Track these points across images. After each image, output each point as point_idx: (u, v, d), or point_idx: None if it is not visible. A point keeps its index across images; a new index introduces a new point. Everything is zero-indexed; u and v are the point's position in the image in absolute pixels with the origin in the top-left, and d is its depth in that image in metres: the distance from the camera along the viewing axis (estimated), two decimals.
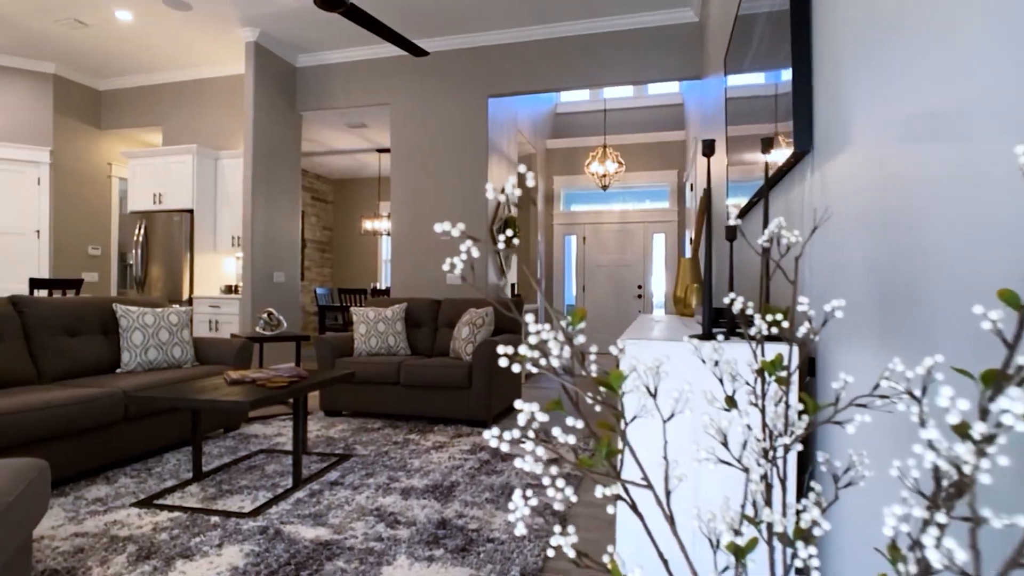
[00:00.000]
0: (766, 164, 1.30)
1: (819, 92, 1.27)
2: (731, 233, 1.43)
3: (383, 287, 9.59)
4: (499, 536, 2.10)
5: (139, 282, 5.94)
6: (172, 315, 3.49)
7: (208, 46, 5.72)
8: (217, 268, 6.17)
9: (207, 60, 6.10)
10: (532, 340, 0.55)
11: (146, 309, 3.43)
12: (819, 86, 1.27)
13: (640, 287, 8.12)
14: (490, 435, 0.57)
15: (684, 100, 7.92)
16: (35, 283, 4.36)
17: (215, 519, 2.23)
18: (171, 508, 2.33)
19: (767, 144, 1.28)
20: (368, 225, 8.68)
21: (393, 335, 4.31)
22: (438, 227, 0.56)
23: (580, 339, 0.56)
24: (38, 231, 6.25)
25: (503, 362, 0.56)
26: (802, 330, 0.72)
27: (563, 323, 0.56)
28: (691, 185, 6.39)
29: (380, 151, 8.04)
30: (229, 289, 6.03)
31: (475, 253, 0.65)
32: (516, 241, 0.60)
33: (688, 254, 6.03)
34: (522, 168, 0.57)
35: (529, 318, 0.56)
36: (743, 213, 2.28)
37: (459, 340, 4.01)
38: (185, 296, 5.80)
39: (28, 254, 6.20)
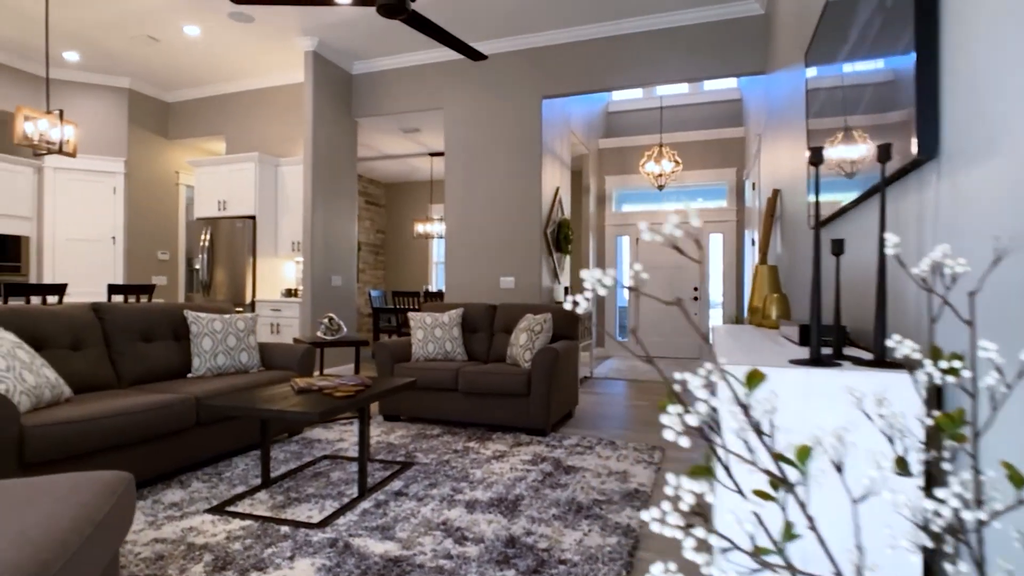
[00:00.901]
0: (883, 171, 1.17)
1: (948, 87, 1.13)
2: (838, 247, 1.30)
3: (435, 289, 9.66)
4: (571, 558, 2.02)
5: (205, 286, 6.17)
6: (239, 321, 3.58)
7: (268, 56, 5.88)
8: (277, 272, 6.35)
9: (267, 70, 6.28)
10: (701, 408, 0.47)
11: (215, 315, 3.53)
12: (948, 80, 1.13)
13: (696, 289, 7.87)
14: (650, 516, 0.49)
15: (743, 96, 7.62)
16: (112, 289, 4.57)
17: (285, 529, 2.25)
18: (243, 516, 2.37)
19: (884, 152, 1.15)
20: (420, 228, 8.76)
21: (450, 340, 4.29)
22: (584, 273, 0.49)
23: (757, 406, 0.48)
24: (113, 237, 6.60)
25: (670, 435, 0.48)
26: (988, 380, 0.61)
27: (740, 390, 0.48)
28: (753, 184, 6.13)
29: (432, 155, 8.09)
30: (289, 292, 6.19)
31: (602, 291, 0.58)
32: (632, 278, 0.52)
33: (753, 257, 5.78)
34: (645, 229, 0.49)
35: (695, 381, 0.48)
36: (831, 218, 2.12)
37: (516, 347, 3.96)
38: (248, 300, 5.99)
39: (105, 259, 6.55)
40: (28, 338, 2.73)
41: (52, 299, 5.58)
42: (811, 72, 2.36)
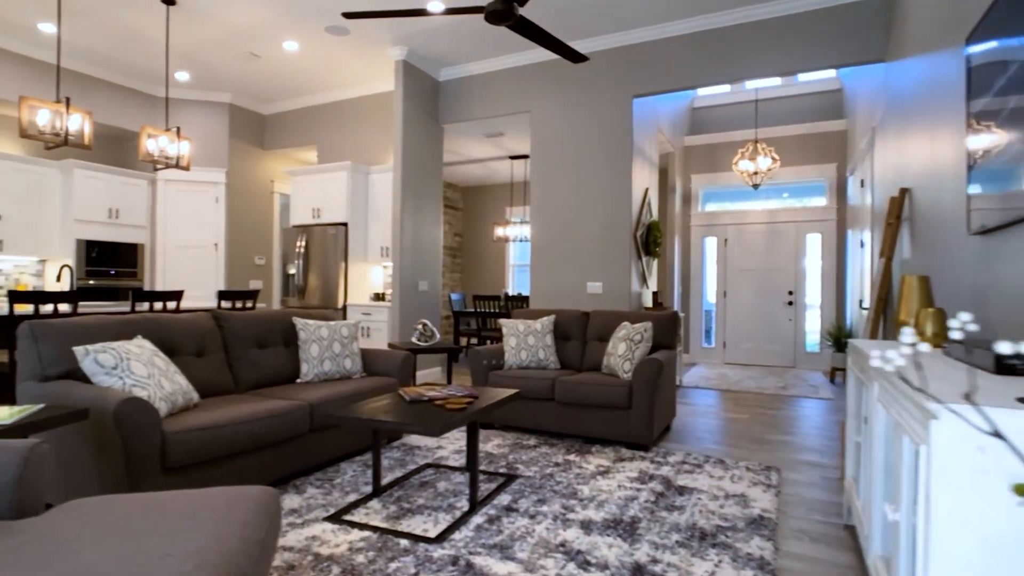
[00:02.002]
0: None
1: None
2: None
3: (513, 293, 9.66)
4: None
5: (300, 290, 6.43)
6: (343, 328, 3.66)
7: (360, 67, 6.04)
8: (366, 277, 6.52)
9: (357, 80, 6.46)
10: None
11: (321, 323, 3.62)
12: None
13: (791, 293, 7.41)
14: None
15: (844, 86, 7.09)
16: (222, 295, 4.82)
17: (404, 543, 2.24)
18: (361, 526, 2.38)
19: None
20: (499, 231, 8.77)
21: (543, 348, 4.22)
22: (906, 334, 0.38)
23: None
24: (216, 244, 7.00)
25: None
26: None
27: None
28: (862, 181, 5.68)
29: (513, 158, 8.07)
30: (377, 297, 6.33)
31: (900, 361, 0.45)
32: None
33: (862, 260, 5.34)
34: None
35: None
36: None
37: (615, 356, 3.82)
38: (340, 304, 6.18)
39: (207, 265, 6.96)
40: (161, 346, 2.89)
41: (164, 303, 5.99)
42: (981, 49, 2.09)
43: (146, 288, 6.63)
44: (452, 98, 6.15)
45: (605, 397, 3.59)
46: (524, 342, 4.23)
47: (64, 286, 5.88)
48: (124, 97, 6.44)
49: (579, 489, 2.87)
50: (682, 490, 2.87)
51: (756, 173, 6.38)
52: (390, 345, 4.48)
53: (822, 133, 7.30)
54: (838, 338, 6.39)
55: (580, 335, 4.42)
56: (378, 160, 6.58)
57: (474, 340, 9.41)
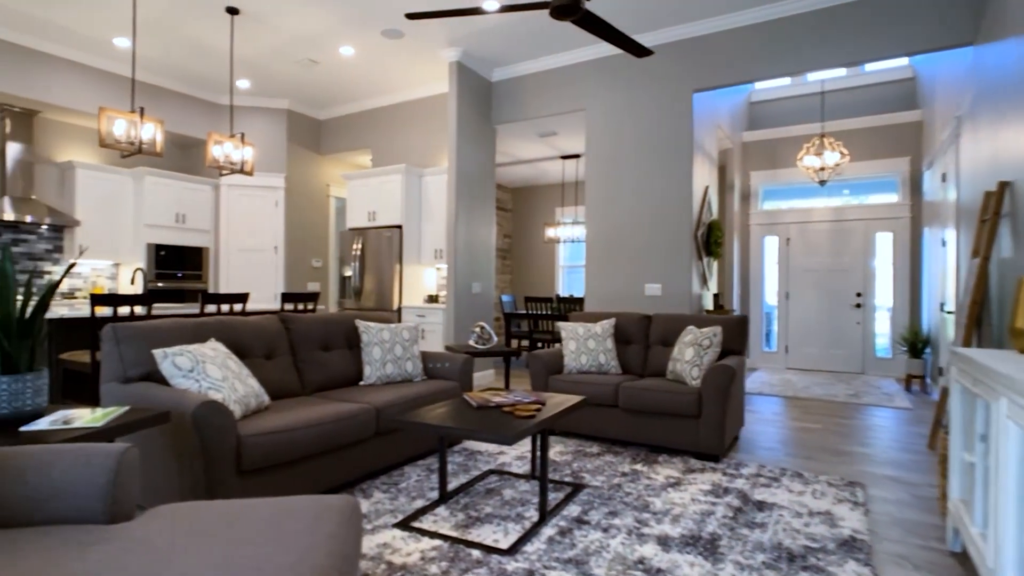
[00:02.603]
0: None
1: None
2: None
3: (564, 294, 9.54)
4: None
5: (356, 292, 6.51)
6: (404, 331, 3.65)
7: (413, 69, 6.07)
8: (420, 279, 6.55)
9: (410, 83, 6.49)
10: None
11: (382, 325, 3.62)
12: None
13: (859, 295, 7.02)
14: None
15: (917, 74, 6.66)
16: (285, 297, 4.92)
17: (476, 554, 2.18)
18: (431, 534, 2.34)
19: None
20: (550, 232, 8.68)
21: (603, 352, 4.10)
22: None
23: None
24: (276, 247, 7.18)
25: None
26: None
27: None
28: (943, 175, 5.30)
29: (565, 157, 7.96)
30: (431, 299, 6.35)
31: None
32: None
33: (943, 259, 4.96)
34: None
35: None
36: None
37: (682, 362, 3.67)
38: (394, 306, 6.22)
39: (268, 268, 7.15)
40: (233, 348, 2.94)
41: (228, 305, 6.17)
42: None
43: (210, 290, 6.86)
44: (505, 98, 6.10)
45: (673, 405, 3.45)
46: (584, 346, 4.12)
47: (138, 288, 6.14)
48: (190, 106, 6.68)
49: (651, 501, 2.75)
50: (761, 505, 2.71)
51: (823, 169, 6.06)
52: (447, 348, 4.46)
53: (893, 125, 6.88)
54: (914, 343, 5.99)
55: (642, 339, 4.28)
56: (431, 162, 6.60)
57: (525, 342, 9.35)
